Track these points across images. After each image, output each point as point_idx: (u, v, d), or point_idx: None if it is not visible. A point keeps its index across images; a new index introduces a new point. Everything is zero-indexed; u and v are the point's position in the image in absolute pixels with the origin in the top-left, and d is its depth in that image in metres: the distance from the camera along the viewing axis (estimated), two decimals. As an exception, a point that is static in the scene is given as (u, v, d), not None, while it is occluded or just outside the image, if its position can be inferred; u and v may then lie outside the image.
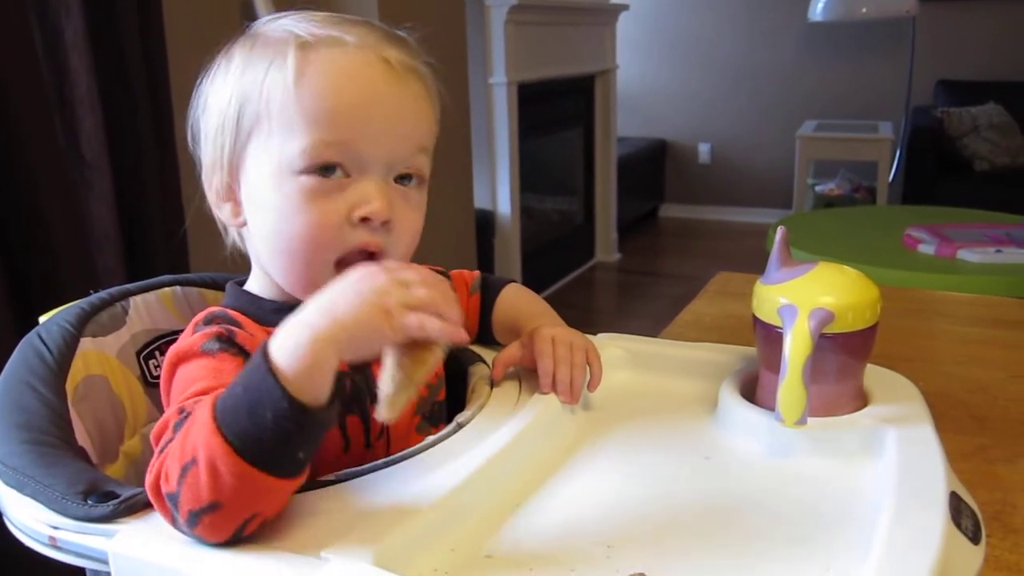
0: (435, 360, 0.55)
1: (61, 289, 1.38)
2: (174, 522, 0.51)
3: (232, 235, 0.71)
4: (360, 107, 0.62)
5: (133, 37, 1.55)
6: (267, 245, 0.66)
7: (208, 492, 0.48)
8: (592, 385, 0.71)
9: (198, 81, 0.69)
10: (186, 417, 0.53)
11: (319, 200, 0.62)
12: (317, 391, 0.50)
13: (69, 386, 0.67)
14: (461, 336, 0.55)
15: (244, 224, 0.67)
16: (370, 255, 0.64)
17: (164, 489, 0.50)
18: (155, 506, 0.52)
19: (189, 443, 0.50)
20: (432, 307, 0.54)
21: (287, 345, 0.50)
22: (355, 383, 0.66)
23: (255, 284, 0.70)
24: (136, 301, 0.77)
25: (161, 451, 0.52)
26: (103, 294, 0.76)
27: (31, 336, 0.70)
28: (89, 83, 1.49)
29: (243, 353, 0.61)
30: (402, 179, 0.66)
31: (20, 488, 0.57)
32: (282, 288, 0.68)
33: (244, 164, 0.65)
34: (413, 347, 0.54)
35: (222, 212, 0.69)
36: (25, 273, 1.39)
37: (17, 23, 1.35)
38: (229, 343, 0.61)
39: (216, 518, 0.49)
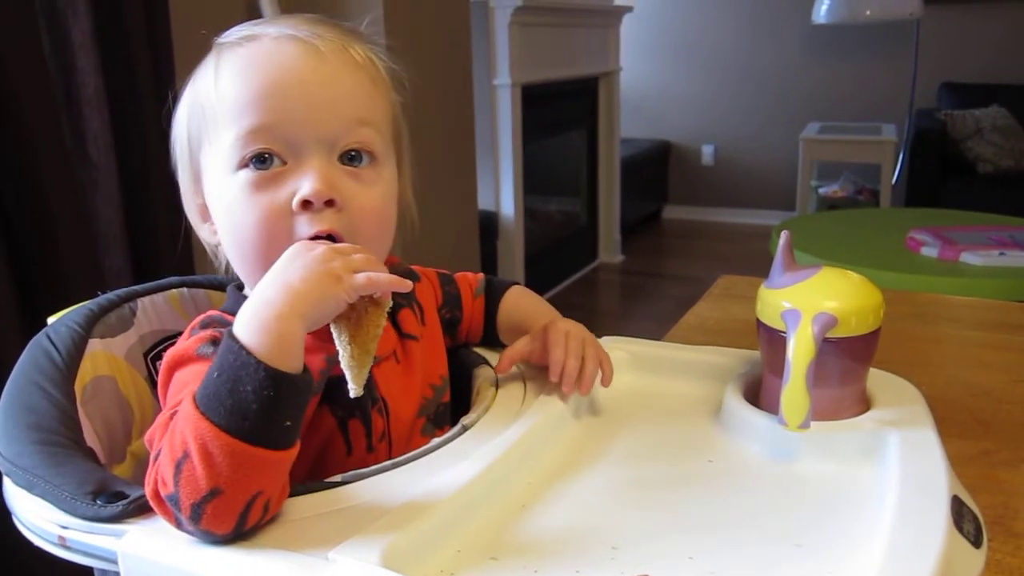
0: (382, 328, 0.58)
1: (68, 289, 1.39)
2: (179, 524, 0.51)
3: (222, 257, 0.71)
4: (276, 88, 0.61)
5: (140, 37, 1.55)
6: (230, 252, 0.66)
7: (206, 480, 0.49)
8: (605, 380, 0.71)
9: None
10: None
11: (260, 193, 0.61)
12: (290, 360, 0.52)
13: (78, 387, 0.67)
14: (406, 284, 0.57)
15: (220, 241, 0.67)
16: (328, 239, 0.61)
17: (163, 493, 0.51)
18: (159, 513, 0.52)
19: (177, 440, 0.50)
20: (372, 266, 0.56)
21: (253, 326, 0.52)
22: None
23: (247, 288, 0.70)
24: (144, 302, 0.77)
25: (156, 459, 0.53)
26: (111, 295, 0.76)
27: (40, 337, 0.70)
28: (96, 83, 1.50)
29: None
30: (350, 159, 0.64)
31: (30, 488, 0.57)
32: None
33: (203, 178, 0.66)
34: (359, 323, 0.58)
35: (204, 232, 0.70)
36: (32, 273, 1.39)
37: (25, 23, 1.36)
38: None
39: (219, 504, 0.49)
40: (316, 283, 0.54)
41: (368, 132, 0.64)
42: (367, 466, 0.62)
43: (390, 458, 0.66)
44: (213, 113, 0.63)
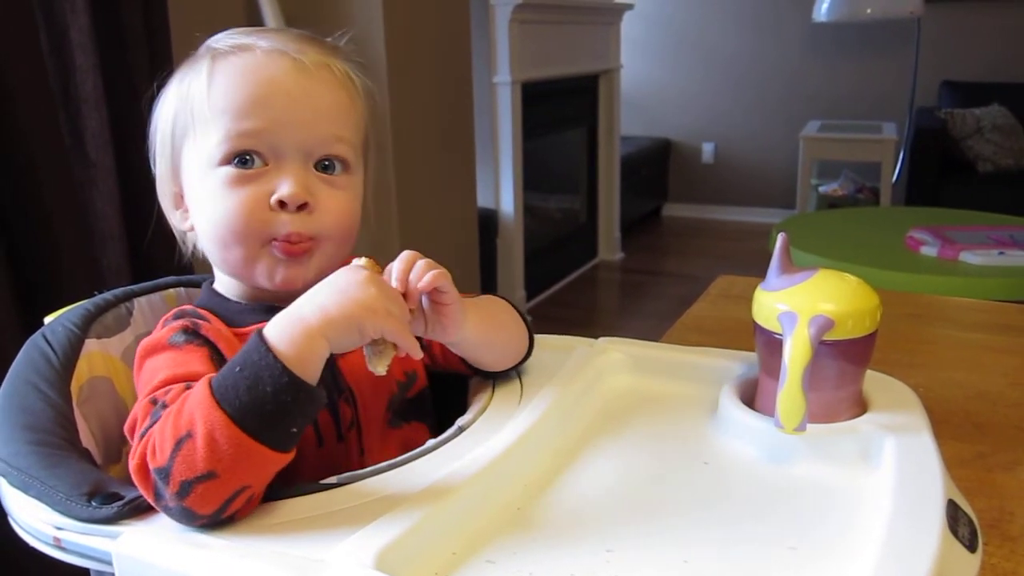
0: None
1: (66, 288, 1.39)
2: (158, 498, 0.53)
3: (190, 242, 0.75)
4: (266, 97, 0.66)
5: (138, 35, 1.55)
6: (204, 237, 0.70)
7: (204, 463, 0.51)
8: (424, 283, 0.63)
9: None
10: (161, 406, 0.56)
11: (240, 187, 0.66)
12: (310, 373, 0.55)
13: (74, 387, 0.68)
14: (418, 355, 0.60)
15: (192, 227, 0.71)
16: (300, 238, 0.67)
17: (152, 464, 0.52)
18: (138, 484, 0.54)
19: (183, 420, 0.52)
20: (404, 312, 0.59)
21: (283, 335, 0.55)
22: (320, 378, 0.67)
23: (220, 285, 0.73)
24: (141, 302, 0.78)
25: (142, 436, 0.54)
26: (108, 295, 0.77)
27: (36, 337, 0.70)
28: (95, 81, 1.50)
29: (208, 344, 0.64)
30: (324, 168, 0.68)
31: (25, 489, 0.57)
32: (245, 289, 0.71)
33: (182, 169, 0.70)
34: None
35: (175, 218, 0.73)
36: (30, 272, 1.39)
37: (22, 21, 1.36)
38: (195, 335, 0.64)
39: (209, 487, 0.51)
40: (348, 311, 0.57)
41: (342, 147, 0.69)
42: (339, 456, 0.65)
43: (361, 447, 0.69)
44: (203, 114, 0.67)
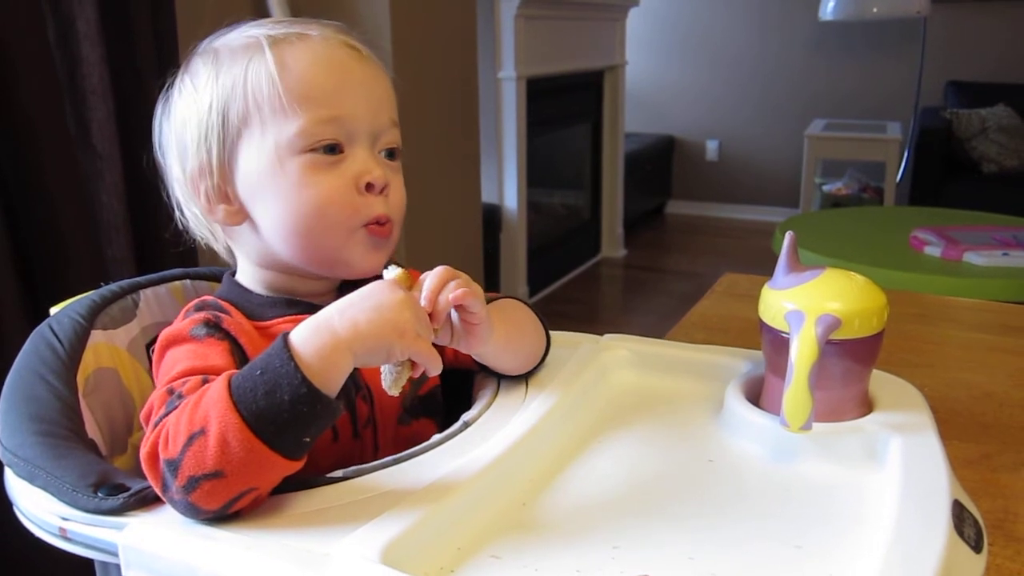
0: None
1: (70, 279, 1.39)
2: (165, 488, 0.52)
3: (222, 237, 0.73)
4: (341, 84, 0.67)
5: (145, 27, 1.55)
6: (279, 231, 0.68)
7: (214, 461, 0.51)
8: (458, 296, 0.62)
9: (160, 103, 0.72)
10: (177, 397, 0.56)
11: (323, 174, 0.66)
12: (331, 385, 0.54)
13: (80, 378, 0.68)
14: (439, 369, 0.60)
15: (242, 221, 0.69)
16: (387, 219, 0.69)
17: (163, 455, 0.52)
18: (147, 473, 0.53)
19: (199, 415, 0.52)
20: (429, 334, 0.59)
21: (309, 344, 0.54)
22: None
23: (244, 278, 0.73)
24: (147, 294, 0.78)
25: (156, 425, 0.54)
26: (114, 286, 0.77)
27: (43, 328, 0.70)
28: (101, 73, 1.49)
29: (229, 338, 0.64)
30: (383, 152, 0.70)
31: (31, 479, 0.57)
32: (269, 280, 0.71)
33: (237, 162, 0.68)
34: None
35: (215, 215, 0.70)
36: (35, 262, 1.39)
37: (30, 12, 1.36)
38: (216, 328, 0.64)
39: (216, 485, 0.51)
40: (380, 330, 0.56)
41: (398, 132, 0.71)
42: (354, 452, 0.65)
43: (376, 444, 0.69)
44: (274, 101, 0.66)
